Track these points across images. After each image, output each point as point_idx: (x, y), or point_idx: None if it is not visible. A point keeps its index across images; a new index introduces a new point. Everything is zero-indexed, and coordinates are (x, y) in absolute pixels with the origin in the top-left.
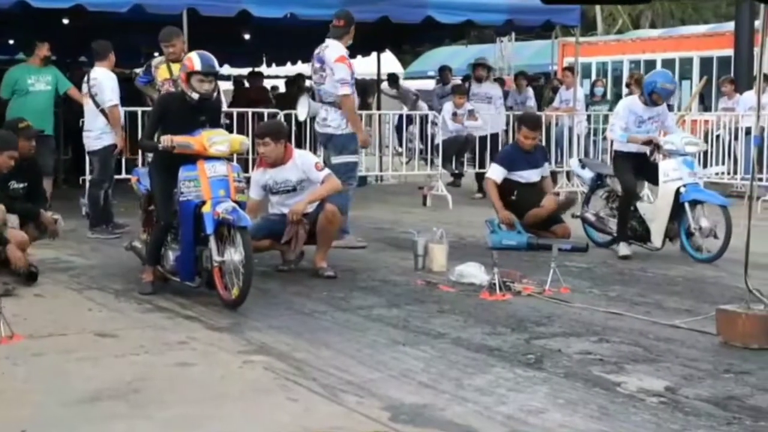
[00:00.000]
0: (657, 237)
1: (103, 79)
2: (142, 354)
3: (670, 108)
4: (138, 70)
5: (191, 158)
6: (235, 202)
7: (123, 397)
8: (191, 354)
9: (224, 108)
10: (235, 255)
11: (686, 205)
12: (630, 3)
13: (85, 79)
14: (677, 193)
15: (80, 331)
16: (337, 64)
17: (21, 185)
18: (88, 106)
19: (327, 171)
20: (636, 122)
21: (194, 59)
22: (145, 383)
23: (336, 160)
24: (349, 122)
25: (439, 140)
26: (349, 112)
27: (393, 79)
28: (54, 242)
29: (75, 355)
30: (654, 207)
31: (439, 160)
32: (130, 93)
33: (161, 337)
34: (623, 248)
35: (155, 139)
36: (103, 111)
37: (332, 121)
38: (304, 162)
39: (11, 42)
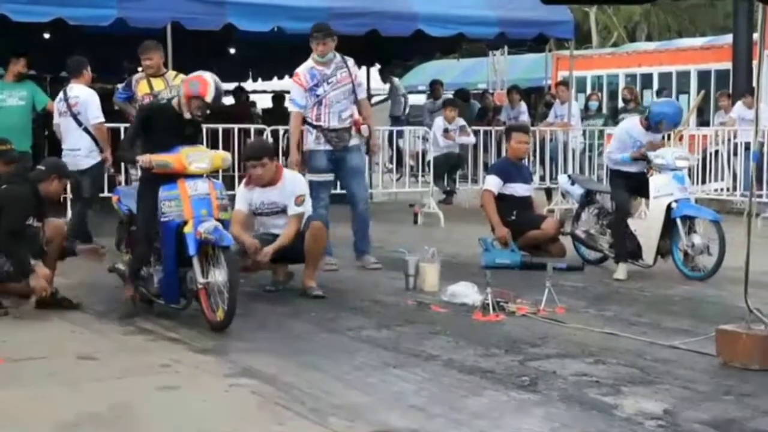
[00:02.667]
0: (648, 254)
1: (87, 97)
2: (124, 378)
3: None
4: (120, 86)
5: (172, 176)
6: (218, 220)
7: (104, 424)
8: (175, 377)
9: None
10: (219, 276)
11: (678, 221)
12: (628, 3)
13: (61, 96)
14: (668, 208)
15: (61, 354)
16: (292, 80)
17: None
18: (69, 124)
19: (299, 210)
20: (633, 146)
21: (210, 89)
22: (128, 408)
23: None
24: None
25: (430, 157)
26: (291, 128)
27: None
28: None
29: (55, 379)
30: (645, 223)
31: (430, 177)
32: (112, 108)
33: (144, 360)
34: (620, 271)
35: (135, 150)
36: (86, 129)
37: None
38: (292, 189)
39: None
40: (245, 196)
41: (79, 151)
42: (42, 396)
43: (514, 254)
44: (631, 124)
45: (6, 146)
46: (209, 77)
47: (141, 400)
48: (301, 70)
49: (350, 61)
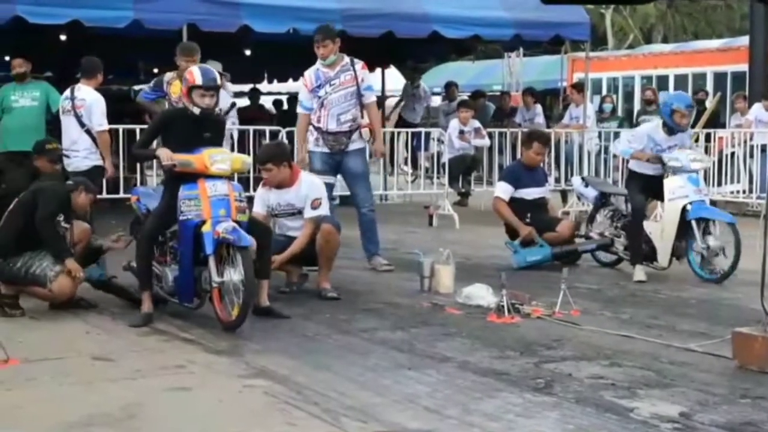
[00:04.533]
0: (663, 256)
1: (93, 101)
2: (138, 378)
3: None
4: (147, 86)
5: (192, 176)
6: (236, 221)
7: (118, 424)
8: (189, 378)
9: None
10: (234, 275)
11: (693, 223)
12: (632, 3)
13: (68, 94)
14: (683, 210)
15: (76, 355)
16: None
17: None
18: (70, 123)
19: (316, 213)
20: (654, 150)
21: (195, 73)
22: (141, 409)
23: None
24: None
25: (445, 159)
26: (297, 129)
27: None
28: None
29: (69, 379)
30: (660, 225)
31: (445, 179)
32: (129, 111)
33: (158, 361)
34: (639, 273)
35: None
36: (88, 131)
37: None
38: (308, 192)
39: (7, 58)
40: (263, 198)
41: (78, 152)
42: (56, 396)
43: (543, 249)
44: (653, 127)
45: (53, 145)
46: (192, 67)
47: (155, 400)
48: (308, 72)
49: (358, 64)
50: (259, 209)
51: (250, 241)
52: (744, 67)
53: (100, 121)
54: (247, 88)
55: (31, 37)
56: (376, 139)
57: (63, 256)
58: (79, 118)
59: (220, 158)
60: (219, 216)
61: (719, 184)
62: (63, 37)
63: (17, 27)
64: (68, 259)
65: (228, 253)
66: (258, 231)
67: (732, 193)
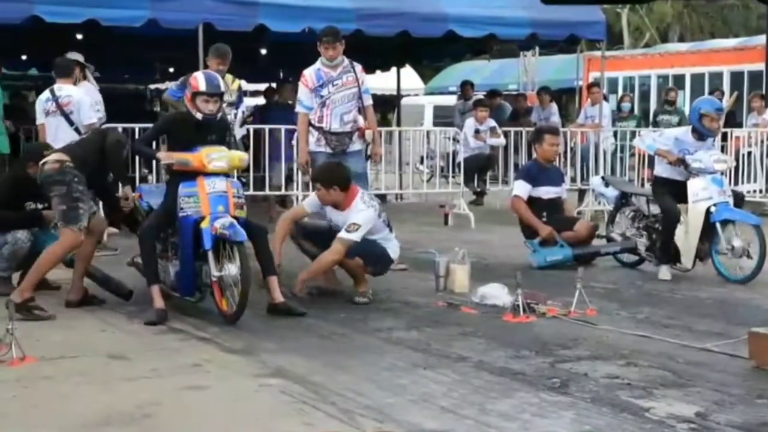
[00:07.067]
0: (687, 258)
1: (81, 98)
2: (154, 377)
3: None
4: (175, 84)
5: (192, 175)
6: (234, 217)
7: (134, 422)
8: (205, 377)
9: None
10: (232, 269)
11: (717, 224)
12: (631, 3)
13: (49, 95)
14: (707, 212)
15: (92, 354)
16: (300, 81)
17: (41, 206)
18: (59, 123)
19: (346, 235)
20: (678, 151)
21: (199, 79)
22: (158, 408)
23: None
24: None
25: (460, 158)
26: (298, 129)
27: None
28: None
29: (86, 378)
30: (684, 227)
31: (460, 178)
32: (146, 110)
33: (174, 360)
34: (665, 272)
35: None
36: (76, 129)
37: None
38: (352, 216)
39: (24, 57)
40: (319, 204)
41: None
42: (73, 395)
43: (564, 249)
44: (683, 131)
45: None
46: (197, 72)
47: (171, 399)
48: (308, 71)
49: (358, 67)
50: (307, 206)
51: (245, 236)
52: (761, 66)
53: (89, 115)
54: (263, 86)
55: (46, 36)
56: (374, 142)
57: (124, 182)
58: (67, 116)
59: (217, 156)
60: (217, 212)
61: (736, 183)
62: (80, 36)
63: (34, 26)
64: (127, 186)
65: (226, 248)
66: (253, 230)
67: (749, 192)
